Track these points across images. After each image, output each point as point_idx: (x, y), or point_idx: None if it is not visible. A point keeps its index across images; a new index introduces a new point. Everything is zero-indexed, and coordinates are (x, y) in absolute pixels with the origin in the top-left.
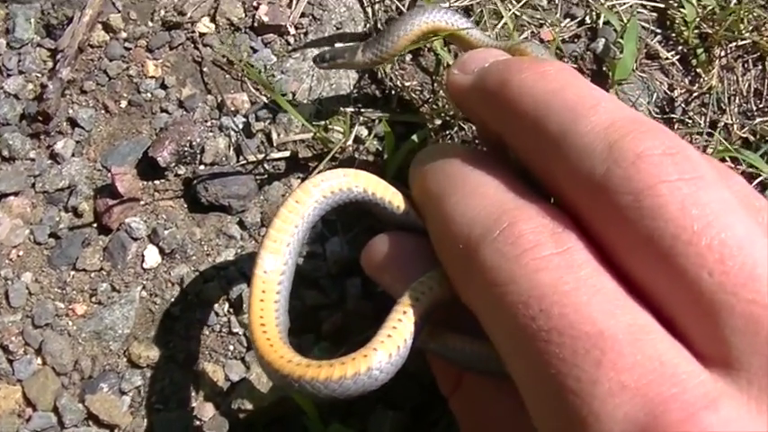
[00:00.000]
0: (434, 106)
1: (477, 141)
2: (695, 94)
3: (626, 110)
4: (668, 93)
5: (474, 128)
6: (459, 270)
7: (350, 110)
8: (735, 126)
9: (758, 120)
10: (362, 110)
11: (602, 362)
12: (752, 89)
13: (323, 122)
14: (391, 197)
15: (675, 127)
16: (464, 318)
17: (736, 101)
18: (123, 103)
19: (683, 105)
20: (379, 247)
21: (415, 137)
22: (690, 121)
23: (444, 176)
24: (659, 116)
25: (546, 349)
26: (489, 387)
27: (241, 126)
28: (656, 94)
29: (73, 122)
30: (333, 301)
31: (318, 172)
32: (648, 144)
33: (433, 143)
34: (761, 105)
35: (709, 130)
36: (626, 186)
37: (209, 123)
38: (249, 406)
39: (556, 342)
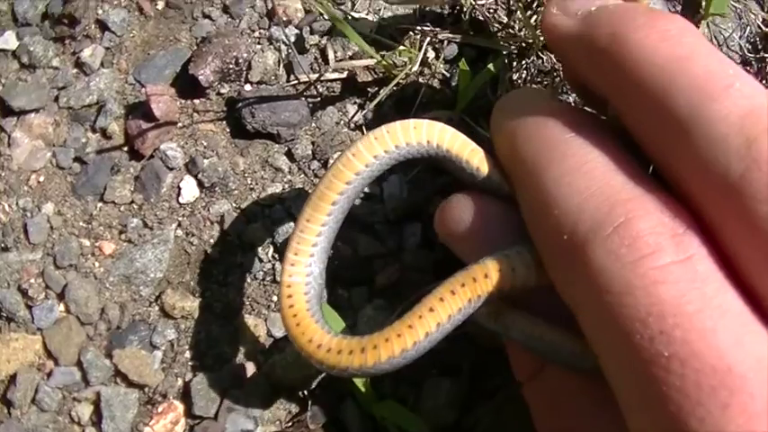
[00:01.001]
0: (510, 30)
1: (559, 79)
2: None
3: (764, 93)
4: (762, 28)
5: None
6: (561, 263)
7: (417, 29)
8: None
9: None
10: (430, 29)
11: (730, 405)
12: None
13: (385, 41)
14: (470, 155)
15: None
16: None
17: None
18: (160, 5)
19: None
20: (458, 210)
21: (491, 66)
22: None
23: (541, 142)
24: (752, 54)
25: (664, 378)
26: (573, 382)
27: (293, 39)
28: (749, 28)
29: (102, 26)
30: (389, 249)
31: (378, 101)
32: None
33: (509, 76)
34: None
35: None
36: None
37: (256, 34)
38: (294, 372)
39: (677, 373)
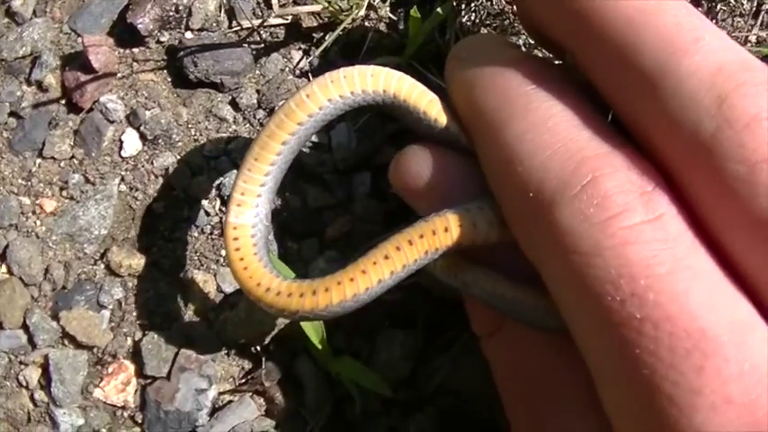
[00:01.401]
0: None
1: (509, 22)
2: None
3: (732, 48)
4: None
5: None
6: (526, 222)
7: None
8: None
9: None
10: None
11: (704, 368)
12: None
13: None
14: (427, 106)
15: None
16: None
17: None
18: None
19: None
20: (415, 163)
21: (440, 10)
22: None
23: (501, 95)
24: None
25: (637, 341)
26: (534, 338)
27: None
28: None
29: None
30: (339, 200)
31: (324, 47)
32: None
33: (459, 20)
34: None
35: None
36: (739, 154)
37: None
38: (247, 329)
39: (650, 336)
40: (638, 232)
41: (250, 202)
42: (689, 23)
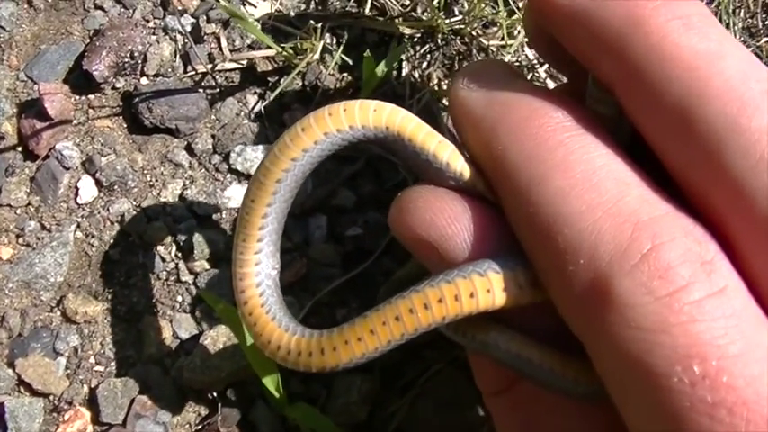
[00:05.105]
0: (413, 13)
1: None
2: None
3: None
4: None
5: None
6: (575, 292)
7: (316, 15)
8: None
9: (764, 40)
10: (330, 14)
11: None
12: (759, 3)
13: (284, 28)
14: (437, 149)
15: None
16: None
17: (741, 15)
18: None
19: None
20: (427, 210)
21: (394, 52)
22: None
23: (534, 144)
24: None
25: (710, 427)
26: (552, 399)
27: (189, 29)
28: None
29: None
30: (295, 244)
31: (279, 91)
32: None
33: (415, 62)
34: None
35: None
36: None
37: (151, 25)
38: (203, 375)
39: (725, 422)
40: (705, 307)
41: (252, 247)
42: (754, 73)
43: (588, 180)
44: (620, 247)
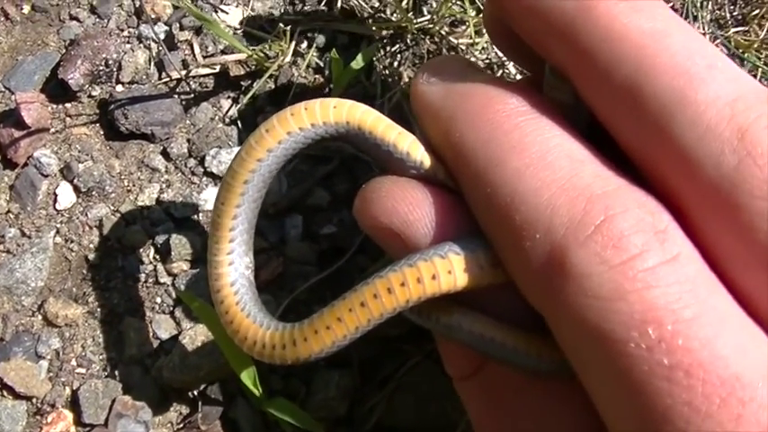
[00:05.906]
0: (382, 15)
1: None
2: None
3: (744, 77)
4: None
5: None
6: (533, 266)
7: (287, 18)
8: (706, 37)
9: (732, 30)
10: (301, 18)
11: (742, 416)
12: None
13: (256, 33)
14: (397, 139)
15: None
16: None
17: (709, 7)
18: (26, 8)
19: None
20: (389, 198)
21: (363, 53)
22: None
23: (490, 129)
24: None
25: (667, 390)
26: (520, 379)
27: (163, 36)
28: None
29: None
30: (271, 244)
31: (252, 94)
32: None
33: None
34: (735, 13)
35: None
36: (764, 190)
37: (125, 33)
38: (182, 374)
39: (682, 384)
40: (659, 274)
41: (224, 248)
42: (699, 49)
43: (542, 159)
44: (575, 220)
